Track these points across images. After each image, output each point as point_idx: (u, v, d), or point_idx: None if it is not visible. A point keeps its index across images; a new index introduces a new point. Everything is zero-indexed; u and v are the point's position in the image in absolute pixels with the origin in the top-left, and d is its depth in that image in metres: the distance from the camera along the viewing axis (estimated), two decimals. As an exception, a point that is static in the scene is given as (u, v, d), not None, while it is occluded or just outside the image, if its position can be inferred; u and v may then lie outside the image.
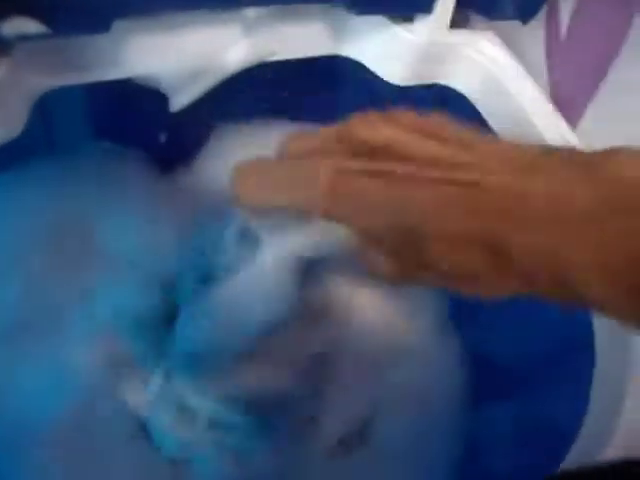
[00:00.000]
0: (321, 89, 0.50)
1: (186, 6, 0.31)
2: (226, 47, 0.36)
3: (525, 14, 0.40)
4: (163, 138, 0.50)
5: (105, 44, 0.31)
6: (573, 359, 0.38)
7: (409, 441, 0.47)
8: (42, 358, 0.43)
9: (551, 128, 0.39)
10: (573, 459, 0.31)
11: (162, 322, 0.45)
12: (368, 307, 0.48)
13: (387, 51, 0.40)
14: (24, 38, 0.27)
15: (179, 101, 0.38)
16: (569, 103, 0.40)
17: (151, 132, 0.49)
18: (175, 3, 0.31)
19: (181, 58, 0.35)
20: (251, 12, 0.34)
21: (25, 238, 0.45)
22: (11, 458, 0.40)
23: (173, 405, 0.42)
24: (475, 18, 0.41)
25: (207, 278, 0.36)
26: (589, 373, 0.35)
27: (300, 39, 0.38)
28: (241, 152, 0.51)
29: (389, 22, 0.39)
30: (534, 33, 0.41)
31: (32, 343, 0.43)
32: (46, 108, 0.35)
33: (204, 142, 0.51)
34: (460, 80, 0.43)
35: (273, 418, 0.43)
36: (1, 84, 0.28)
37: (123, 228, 0.48)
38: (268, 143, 0.52)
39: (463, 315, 0.50)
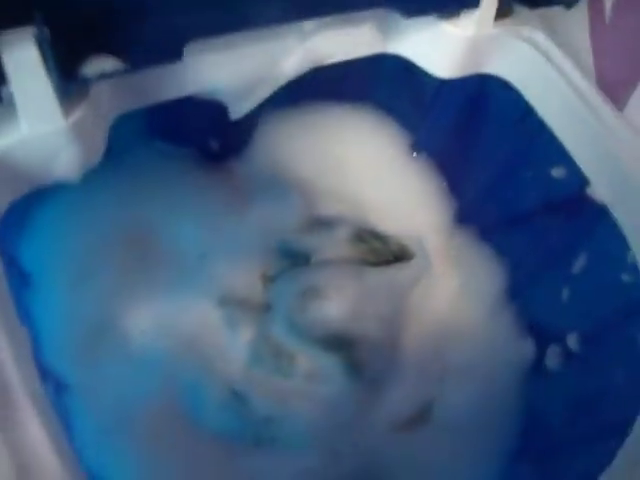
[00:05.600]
0: (363, 75, 0.51)
1: (249, 25, 0.33)
2: (282, 57, 0.37)
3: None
4: (214, 133, 0.52)
5: (172, 68, 0.33)
6: (630, 323, 0.40)
7: (471, 416, 0.49)
8: (124, 355, 0.47)
9: (597, 112, 0.40)
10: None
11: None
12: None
13: (434, 47, 0.41)
14: (102, 76, 0.29)
15: (239, 110, 0.40)
16: (615, 86, 0.40)
17: (202, 129, 0.51)
18: (240, 23, 0.32)
19: (241, 72, 0.36)
20: (308, 25, 0.35)
21: (96, 246, 0.48)
22: (115, 438, 0.44)
23: (271, 356, 0.48)
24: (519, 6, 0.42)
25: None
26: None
27: (351, 42, 0.39)
28: (289, 136, 0.54)
29: (436, 19, 0.40)
30: (579, 17, 0.42)
31: (115, 341, 0.47)
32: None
33: (253, 130, 0.53)
34: (505, 68, 0.44)
35: (358, 361, 0.49)
36: (84, 122, 0.30)
37: (186, 224, 0.51)
38: (314, 126, 0.54)
39: (520, 287, 0.51)
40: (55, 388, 0.45)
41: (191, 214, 0.51)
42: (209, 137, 0.53)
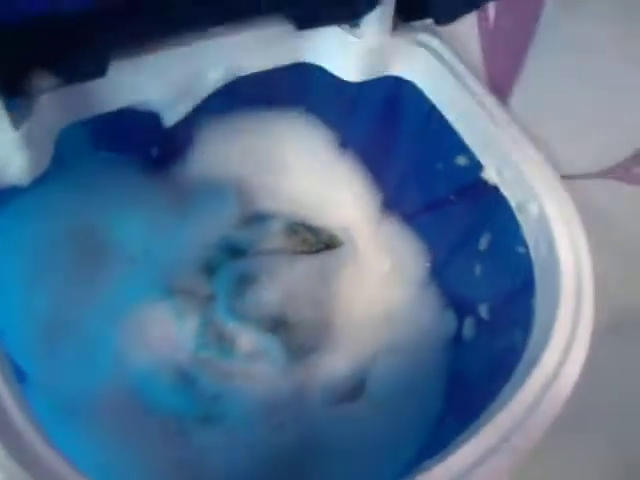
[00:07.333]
0: (290, 82, 0.56)
1: (158, 37, 0.38)
2: (205, 70, 0.43)
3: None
4: (154, 141, 0.57)
5: (106, 83, 0.38)
6: (525, 290, 0.45)
7: (401, 387, 0.55)
8: (78, 346, 0.51)
9: (484, 105, 0.46)
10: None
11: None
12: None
13: (340, 54, 0.47)
14: (42, 91, 0.34)
15: (170, 119, 0.45)
16: (501, 81, 0.47)
17: (143, 139, 0.56)
18: (152, 38, 0.37)
19: (168, 85, 0.41)
20: (227, 39, 0.41)
21: (48, 248, 0.52)
22: (70, 425, 0.48)
23: (215, 340, 0.53)
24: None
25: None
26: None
27: (264, 54, 0.45)
28: (225, 141, 0.59)
29: (339, 29, 0.45)
30: (470, 23, 0.48)
31: (68, 335, 0.51)
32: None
33: (191, 137, 0.58)
34: (408, 71, 0.49)
35: (295, 341, 0.54)
36: (32, 132, 0.35)
37: (131, 225, 0.56)
38: (248, 130, 0.59)
39: (439, 267, 0.58)
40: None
41: (135, 216, 0.56)
42: (150, 145, 0.57)
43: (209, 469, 0.51)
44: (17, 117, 0.35)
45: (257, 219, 0.59)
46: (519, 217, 0.45)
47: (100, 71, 0.35)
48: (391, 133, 0.58)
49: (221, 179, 0.59)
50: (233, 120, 0.59)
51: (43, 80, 0.33)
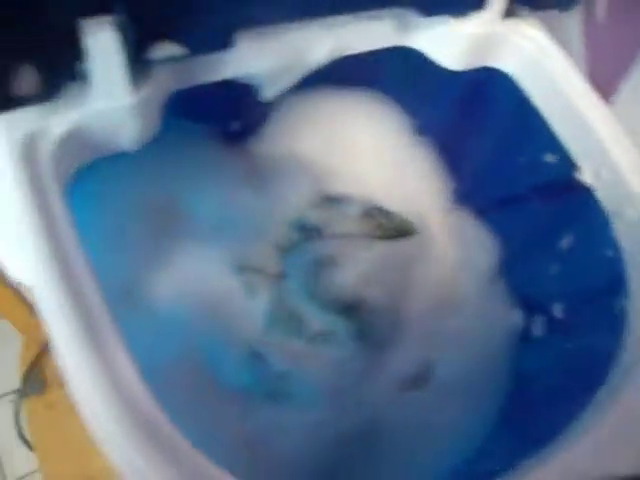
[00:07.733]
0: (374, 65, 0.55)
1: (285, 19, 0.37)
2: (313, 46, 0.42)
3: (564, 4, 0.46)
4: (236, 114, 0.57)
5: (222, 53, 0.38)
6: (612, 294, 0.44)
7: (465, 379, 0.54)
8: (149, 316, 0.51)
9: (587, 104, 0.45)
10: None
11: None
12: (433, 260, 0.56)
13: (446, 42, 0.46)
14: (164, 60, 0.34)
15: (270, 93, 0.44)
16: (604, 80, 0.46)
17: (225, 111, 0.56)
18: (279, 17, 0.37)
19: (278, 59, 0.41)
20: (336, 19, 0.40)
21: (128, 214, 0.52)
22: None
23: (286, 319, 0.53)
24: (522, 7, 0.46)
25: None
26: (622, 308, 0.41)
27: (373, 36, 0.44)
28: (303, 119, 0.58)
29: (448, 17, 0.45)
30: (574, 18, 0.47)
31: (142, 300, 0.51)
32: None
33: (271, 112, 0.58)
34: (506, 62, 0.48)
35: (366, 325, 0.54)
36: (147, 100, 0.35)
37: (207, 197, 0.56)
38: (327, 109, 0.59)
39: (511, 263, 0.57)
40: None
41: (212, 188, 0.56)
42: (232, 118, 0.57)
43: (274, 445, 0.51)
44: (135, 83, 0.35)
45: (332, 201, 0.58)
46: (613, 221, 0.44)
47: (227, 43, 0.34)
48: (475, 124, 0.57)
49: (297, 157, 0.59)
50: (314, 98, 0.59)
51: (172, 49, 0.33)
